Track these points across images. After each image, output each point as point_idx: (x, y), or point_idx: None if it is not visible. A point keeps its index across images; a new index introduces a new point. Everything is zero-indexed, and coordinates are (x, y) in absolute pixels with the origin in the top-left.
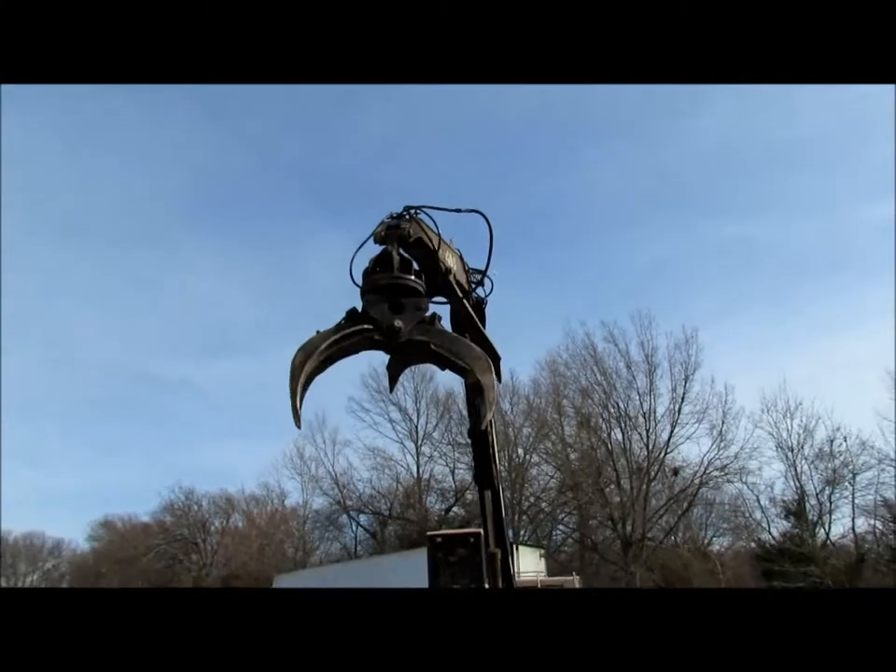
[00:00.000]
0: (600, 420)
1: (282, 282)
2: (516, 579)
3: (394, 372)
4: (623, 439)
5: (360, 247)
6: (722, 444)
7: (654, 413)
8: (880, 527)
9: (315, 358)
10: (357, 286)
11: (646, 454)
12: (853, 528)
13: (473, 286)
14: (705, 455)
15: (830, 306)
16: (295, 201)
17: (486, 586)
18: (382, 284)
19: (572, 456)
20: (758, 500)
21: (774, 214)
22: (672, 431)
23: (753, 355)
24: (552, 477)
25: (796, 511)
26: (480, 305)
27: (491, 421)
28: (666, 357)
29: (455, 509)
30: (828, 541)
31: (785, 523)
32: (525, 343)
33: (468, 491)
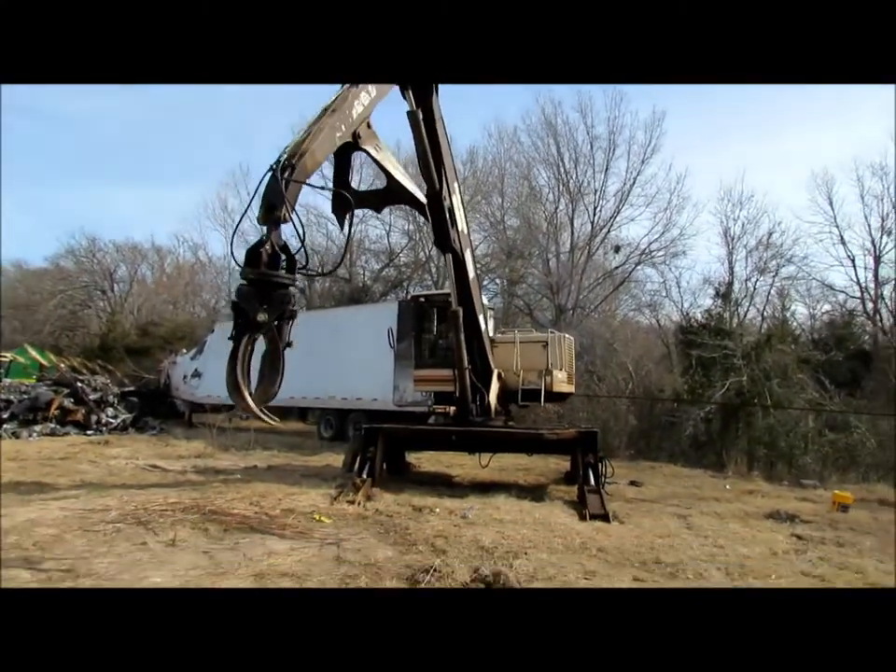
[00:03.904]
0: (548, 191)
1: None
2: (490, 336)
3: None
4: (571, 211)
5: (236, 228)
6: (667, 226)
7: (605, 191)
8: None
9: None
10: (239, 265)
11: (589, 228)
12: (762, 313)
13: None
14: (645, 236)
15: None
16: None
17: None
18: (251, 279)
19: (511, 222)
20: (677, 282)
21: None
22: (618, 209)
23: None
24: (483, 239)
25: (724, 293)
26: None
27: (451, 188)
28: (628, 137)
29: (387, 270)
30: (743, 321)
31: (710, 302)
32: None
33: (401, 254)
